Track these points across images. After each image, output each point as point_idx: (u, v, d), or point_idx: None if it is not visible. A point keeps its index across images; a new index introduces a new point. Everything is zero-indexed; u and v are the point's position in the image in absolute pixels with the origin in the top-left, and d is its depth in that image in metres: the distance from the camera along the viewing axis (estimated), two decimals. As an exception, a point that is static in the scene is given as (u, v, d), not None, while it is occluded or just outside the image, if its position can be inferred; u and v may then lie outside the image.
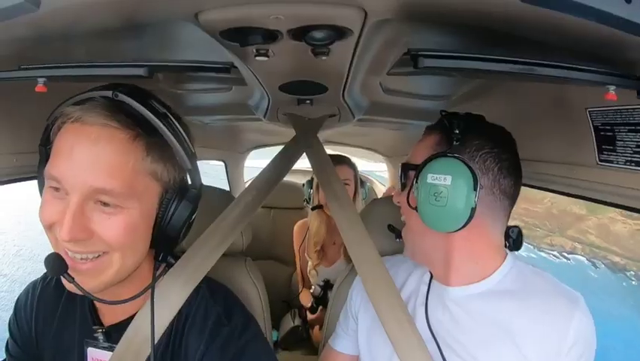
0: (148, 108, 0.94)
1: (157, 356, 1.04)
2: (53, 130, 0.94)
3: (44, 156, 0.96)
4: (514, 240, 1.19)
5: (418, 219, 1.11)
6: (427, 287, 1.21)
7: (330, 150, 2.93)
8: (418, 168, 1.11)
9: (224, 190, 1.73)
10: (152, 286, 1.05)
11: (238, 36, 0.91)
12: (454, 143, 1.10)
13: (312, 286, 2.90)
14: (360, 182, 2.92)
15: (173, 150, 0.97)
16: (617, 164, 1.16)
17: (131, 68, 0.98)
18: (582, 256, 11.06)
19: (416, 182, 1.11)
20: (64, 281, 0.93)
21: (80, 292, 0.94)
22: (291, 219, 3.48)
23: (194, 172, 1.03)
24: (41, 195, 0.95)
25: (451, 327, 1.14)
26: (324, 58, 1.00)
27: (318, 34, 0.89)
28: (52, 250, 0.94)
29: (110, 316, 1.11)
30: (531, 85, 1.40)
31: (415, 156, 1.17)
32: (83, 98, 0.93)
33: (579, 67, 0.88)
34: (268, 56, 1.01)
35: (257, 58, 1.02)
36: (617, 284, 9.74)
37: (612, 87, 0.88)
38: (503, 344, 1.08)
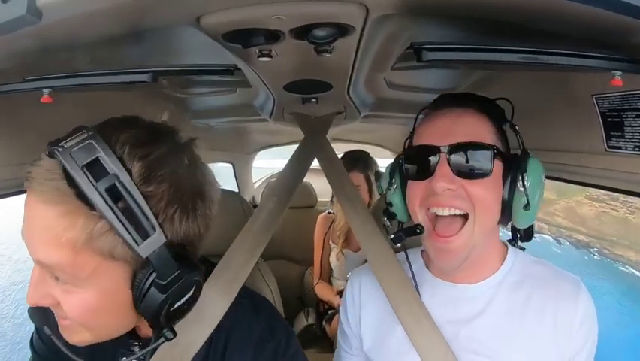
0: (88, 170, 0.75)
1: None
2: None
3: None
4: (525, 230, 1.18)
5: (496, 214, 1.07)
6: (430, 286, 1.21)
7: (340, 147, 2.93)
8: (521, 160, 1.06)
9: (231, 191, 1.73)
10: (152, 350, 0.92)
11: (240, 38, 0.91)
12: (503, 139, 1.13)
13: (335, 278, 3.00)
14: (376, 175, 2.93)
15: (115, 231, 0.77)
16: (626, 150, 1.16)
17: (135, 74, 0.98)
18: (548, 235, 11.91)
19: (521, 175, 1.04)
20: None
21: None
22: (301, 218, 3.48)
23: (163, 258, 0.80)
24: None
25: (466, 325, 1.14)
26: (327, 56, 0.99)
27: (320, 33, 0.89)
28: None
29: (146, 329, 1.02)
30: (536, 74, 1.39)
31: (486, 137, 1.07)
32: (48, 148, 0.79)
33: (584, 53, 0.87)
34: (271, 57, 1.01)
35: (260, 59, 1.02)
36: (579, 258, 10.68)
37: (618, 73, 0.88)
38: (519, 334, 1.09)
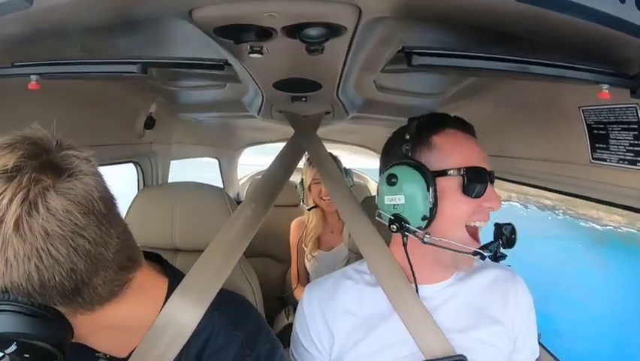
0: None
1: None
2: None
3: None
4: (507, 237, 1.21)
5: None
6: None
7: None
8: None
9: (216, 187, 1.72)
10: None
11: (232, 33, 0.91)
12: None
13: (310, 274, 3.01)
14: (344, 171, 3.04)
15: None
16: (610, 162, 1.17)
17: (124, 65, 0.97)
18: (517, 202, 13.25)
19: None
20: None
21: None
22: (285, 216, 3.47)
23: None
24: None
25: (444, 317, 1.22)
26: (318, 55, 1.00)
27: (312, 32, 0.89)
28: None
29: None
30: (524, 83, 1.40)
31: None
32: None
33: (572, 65, 0.88)
34: (262, 54, 1.01)
35: (251, 55, 1.01)
36: (544, 218, 12.12)
37: (605, 86, 0.89)
38: (483, 321, 1.24)
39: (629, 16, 0.73)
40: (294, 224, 3.19)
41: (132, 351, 0.94)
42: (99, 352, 0.97)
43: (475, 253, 1.15)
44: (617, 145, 1.13)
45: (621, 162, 1.14)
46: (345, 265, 1.59)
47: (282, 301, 3.20)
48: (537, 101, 1.43)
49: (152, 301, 0.97)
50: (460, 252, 1.15)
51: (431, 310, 1.22)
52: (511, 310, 1.28)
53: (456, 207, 1.15)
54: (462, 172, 1.14)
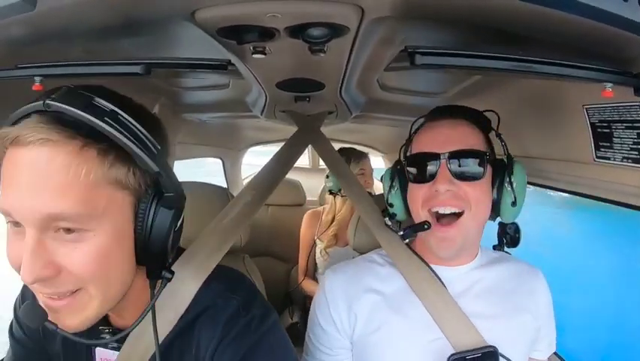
0: (89, 111, 0.78)
1: (163, 353, 0.99)
2: None
3: None
4: (511, 236, 1.23)
5: (487, 210, 1.22)
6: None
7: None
8: (508, 164, 1.21)
9: (220, 187, 1.73)
10: (151, 307, 0.94)
11: (235, 34, 0.91)
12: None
13: (321, 274, 2.98)
14: None
15: (130, 152, 0.81)
16: (614, 160, 1.17)
17: (127, 66, 0.97)
18: None
19: (509, 177, 1.20)
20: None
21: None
22: (289, 216, 3.48)
23: (167, 173, 0.86)
24: None
25: (468, 302, 1.26)
26: (321, 55, 0.99)
27: (315, 32, 0.89)
28: None
29: (118, 317, 1.03)
30: (528, 82, 1.40)
31: (478, 145, 1.21)
32: (18, 116, 0.79)
33: (576, 64, 0.88)
34: (265, 54, 1.01)
35: (254, 56, 1.02)
36: None
37: (609, 84, 0.89)
38: (510, 309, 1.28)
39: (633, 15, 0.73)
40: (308, 215, 3.18)
41: (135, 322, 0.94)
42: (103, 325, 1.01)
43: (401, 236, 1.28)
44: (621, 144, 1.13)
45: (625, 160, 1.13)
46: None
47: (289, 299, 3.20)
48: (540, 99, 1.42)
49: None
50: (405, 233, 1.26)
51: (457, 294, 1.25)
52: (537, 300, 1.32)
53: (410, 194, 1.25)
54: (405, 161, 1.24)
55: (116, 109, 0.81)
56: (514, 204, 1.20)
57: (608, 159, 1.19)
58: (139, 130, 0.83)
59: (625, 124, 1.10)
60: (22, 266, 0.76)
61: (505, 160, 1.23)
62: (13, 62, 0.99)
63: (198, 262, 1.13)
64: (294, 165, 1.63)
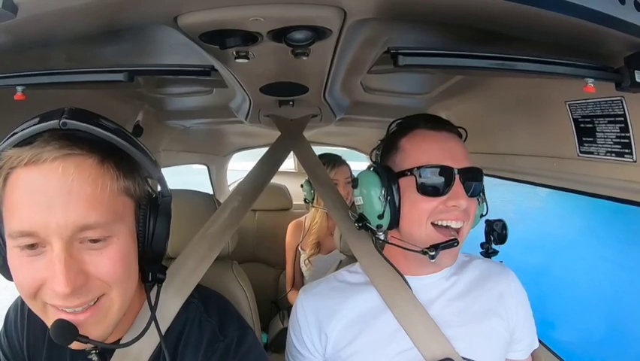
0: (102, 127, 0.84)
1: None
2: None
3: None
4: (498, 233, 1.23)
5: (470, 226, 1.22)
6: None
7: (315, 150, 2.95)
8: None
9: (206, 193, 1.71)
10: (153, 314, 0.97)
11: (218, 39, 0.90)
12: None
13: (305, 277, 2.99)
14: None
15: (140, 163, 0.90)
16: (598, 155, 1.18)
17: (110, 73, 0.97)
18: None
19: (482, 193, 1.24)
20: (75, 345, 0.85)
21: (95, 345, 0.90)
22: (276, 221, 3.46)
23: (163, 180, 0.96)
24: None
25: (439, 311, 1.25)
26: (304, 58, 0.99)
27: (298, 35, 0.89)
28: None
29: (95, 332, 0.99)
30: (511, 80, 1.41)
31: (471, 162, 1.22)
32: (25, 136, 0.81)
33: (558, 60, 0.89)
34: (248, 58, 1.01)
35: (237, 60, 1.01)
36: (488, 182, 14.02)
37: (590, 80, 0.90)
38: (479, 313, 1.26)
39: (613, 10, 0.74)
40: (291, 226, 3.15)
41: (119, 339, 0.99)
42: (90, 349, 1.00)
43: (423, 252, 1.17)
44: (604, 138, 1.14)
45: (608, 154, 1.15)
46: (337, 268, 1.61)
47: (276, 306, 3.19)
48: (524, 97, 1.44)
49: (139, 291, 1.01)
50: (409, 250, 1.19)
51: (426, 304, 1.24)
52: (507, 303, 1.30)
53: (414, 206, 1.18)
54: (415, 172, 1.16)
55: (119, 126, 0.88)
56: (482, 215, 1.26)
57: (592, 153, 1.20)
58: (140, 143, 0.90)
59: (607, 119, 1.11)
60: (53, 281, 0.77)
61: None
62: None
63: (185, 275, 1.15)
64: (280, 170, 1.63)
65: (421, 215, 1.17)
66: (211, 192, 3.09)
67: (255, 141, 3.94)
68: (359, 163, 4.60)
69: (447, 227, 1.17)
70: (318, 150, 3.52)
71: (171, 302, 1.07)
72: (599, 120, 1.14)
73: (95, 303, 0.84)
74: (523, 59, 0.89)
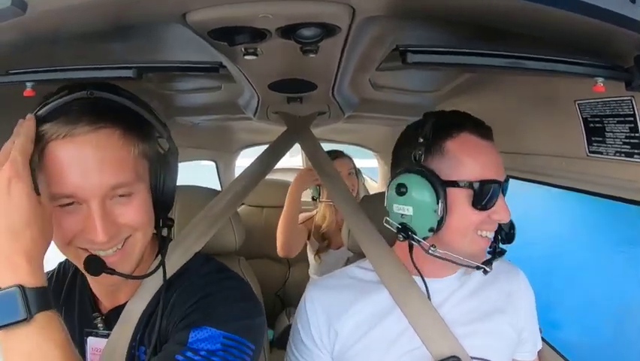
0: (122, 96, 0.98)
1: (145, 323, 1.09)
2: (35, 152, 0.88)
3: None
4: (506, 233, 1.23)
5: None
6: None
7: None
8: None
9: (212, 189, 1.72)
10: (163, 258, 1.10)
11: (226, 35, 0.90)
12: None
13: (313, 274, 2.98)
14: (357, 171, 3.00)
15: (155, 127, 1.04)
16: (607, 155, 1.17)
17: (119, 70, 0.98)
18: None
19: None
20: (103, 276, 0.98)
21: (118, 278, 0.99)
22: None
23: (170, 138, 1.09)
24: None
25: (448, 310, 1.26)
26: (313, 56, 0.99)
27: (306, 32, 0.89)
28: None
29: (109, 302, 1.13)
30: (520, 78, 1.40)
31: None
32: (55, 105, 0.91)
33: (567, 59, 0.88)
34: (257, 55, 1.01)
35: (246, 57, 1.01)
36: None
37: (600, 79, 0.89)
38: (488, 312, 1.28)
39: (623, 9, 0.73)
40: (301, 218, 3.04)
41: (124, 303, 1.11)
42: (95, 312, 1.14)
43: (477, 268, 1.18)
44: (614, 138, 1.14)
45: (617, 154, 1.14)
46: (345, 264, 1.59)
47: (282, 302, 3.19)
48: (533, 96, 1.43)
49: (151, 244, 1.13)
50: (460, 265, 1.18)
51: (438, 304, 1.24)
52: (516, 303, 1.32)
53: (464, 218, 1.15)
54: (473, 185, 1.12)
55: (133, 95, 1.01)
56: None
57: (601, 153, 1.19)
58: (154, 110, 1.05)
59: (617, 118, 1.10)
60: (93, 233, 0.91)
61: None
62: (3, 67, 0.99)
63: (186, 247, 1.20)
64: (289, 167, 1.64)
65: (468, 227, 1.16)
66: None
67: (263, 138, 3.94)
68: (365, 160, 4.61)
69: (485, 237, 1.18)
70: (324, 147, 3.52)
71: (172, 264, 1.14)
72: (608, 120, 1.13)
73: (122, 246, 0.99)
74: (533, 58, 0.89)
